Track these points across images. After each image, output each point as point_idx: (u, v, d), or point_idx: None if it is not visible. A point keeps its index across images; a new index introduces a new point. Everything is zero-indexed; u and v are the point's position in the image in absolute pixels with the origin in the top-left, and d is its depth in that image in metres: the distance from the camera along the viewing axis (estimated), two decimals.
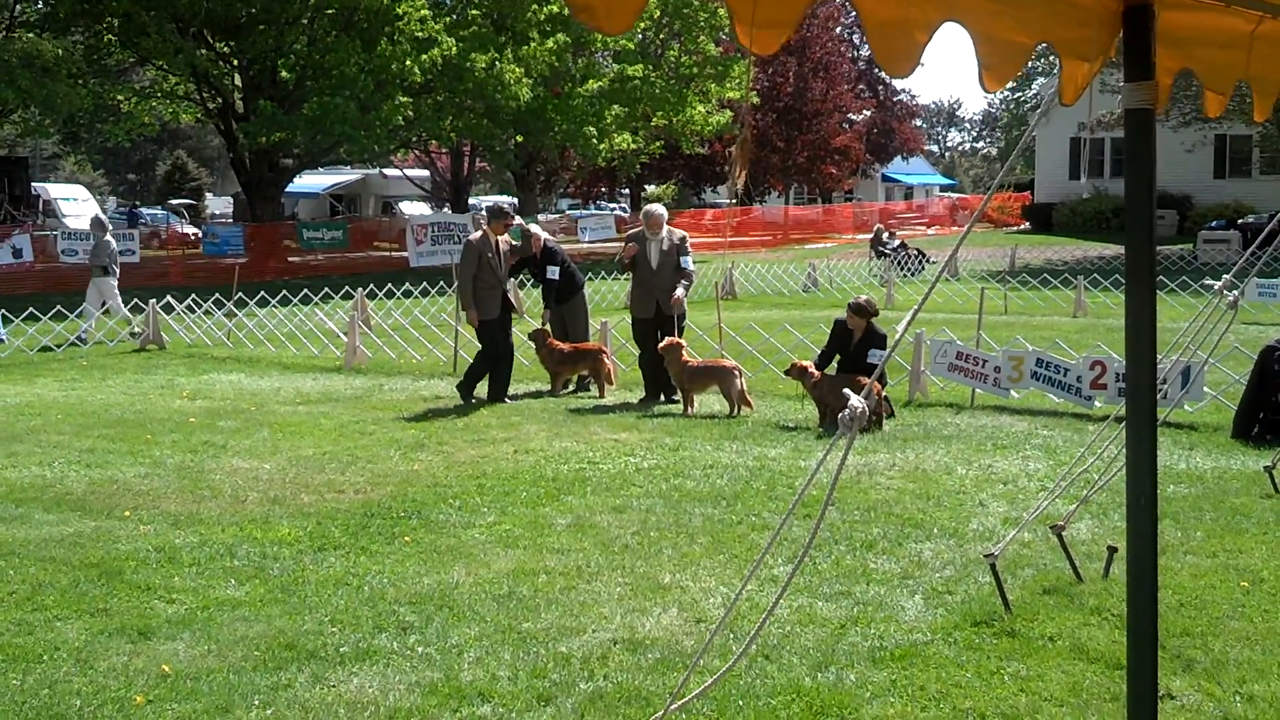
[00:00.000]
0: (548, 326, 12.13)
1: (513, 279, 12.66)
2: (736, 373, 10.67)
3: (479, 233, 11.64)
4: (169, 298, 17.96)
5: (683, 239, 11.54)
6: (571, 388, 12.17)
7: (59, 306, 17.91)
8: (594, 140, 36.24)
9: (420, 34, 31.78)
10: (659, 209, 11.77)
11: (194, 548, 6.58)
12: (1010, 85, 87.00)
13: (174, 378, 13.72)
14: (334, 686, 4.69)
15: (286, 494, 7.83)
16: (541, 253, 12.28)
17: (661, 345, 10.88)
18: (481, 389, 11.59)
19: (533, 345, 12.16)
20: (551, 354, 11.83)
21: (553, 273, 12.25)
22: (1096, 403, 10.05)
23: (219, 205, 62.01)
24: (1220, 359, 10.53)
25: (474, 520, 7.09)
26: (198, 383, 13.27)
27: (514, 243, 12.35)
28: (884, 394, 10.11)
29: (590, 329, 12.75)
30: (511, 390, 11.72)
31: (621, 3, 2.04)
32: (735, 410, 10.55)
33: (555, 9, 34.77)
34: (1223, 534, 6.62)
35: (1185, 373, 8.94)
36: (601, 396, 11.68)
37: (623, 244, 11.70)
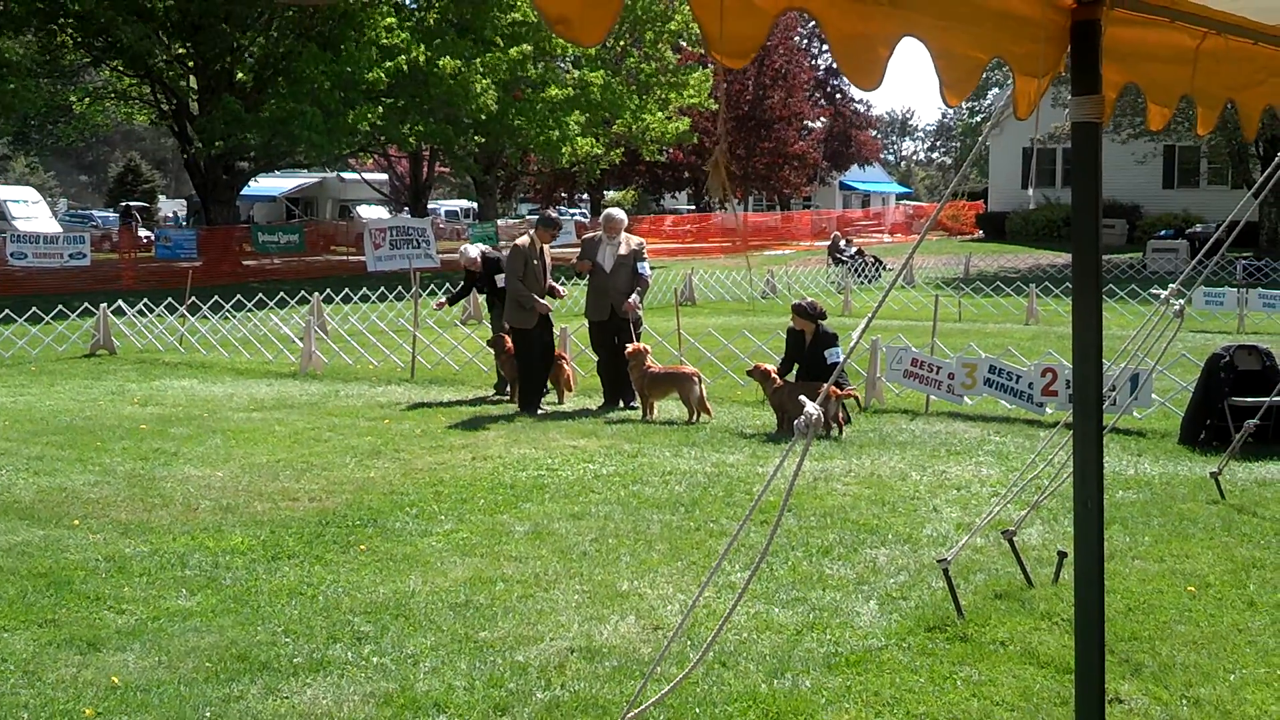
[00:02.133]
0: (505, 333, 12.12)
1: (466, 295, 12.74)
2: (696, 379, 10.71)
3: (525, 238, 11.46)
4: (120, 302, 17.73)
5: (640, 245, 11.58)
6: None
7: (8, 310, 17.60)
8: (557, 143, 36.26)
9: (386, 41, 31.64)
10: (619, 213, 11.83)
11: (144, 557, 6.50)
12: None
13: (125, 384, 13.54)
14: (287, 698, 4.65)
15: (239, 502, 7.75)
16: (484, 265, 12.42)
17: (627, 351, 10.89)
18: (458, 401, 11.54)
19: (492, 351, 12.15)
20: (510, 360, 11.83)
21: (502, 280, 12.28)
22: (1048, 409, 10.18)
23: (173, 208, 61.23)
24: (1168, 366, 10.75)
25: (431, 528, 7.06)
26: (149, 389, 13.10)
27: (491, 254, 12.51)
28: (855, 393, 10.27)
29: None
30: (469, 395, 11.65)
31: (595, 14, 2.05)
32: (694, 417, 10.58)
33: (519, 16, 34.75)
34: (1170, 539, 6.73)
35: (1134, 379, 9.11)
36: (560, 402, 11.67)
37: (580, 249, 11.71)
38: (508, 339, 11.87)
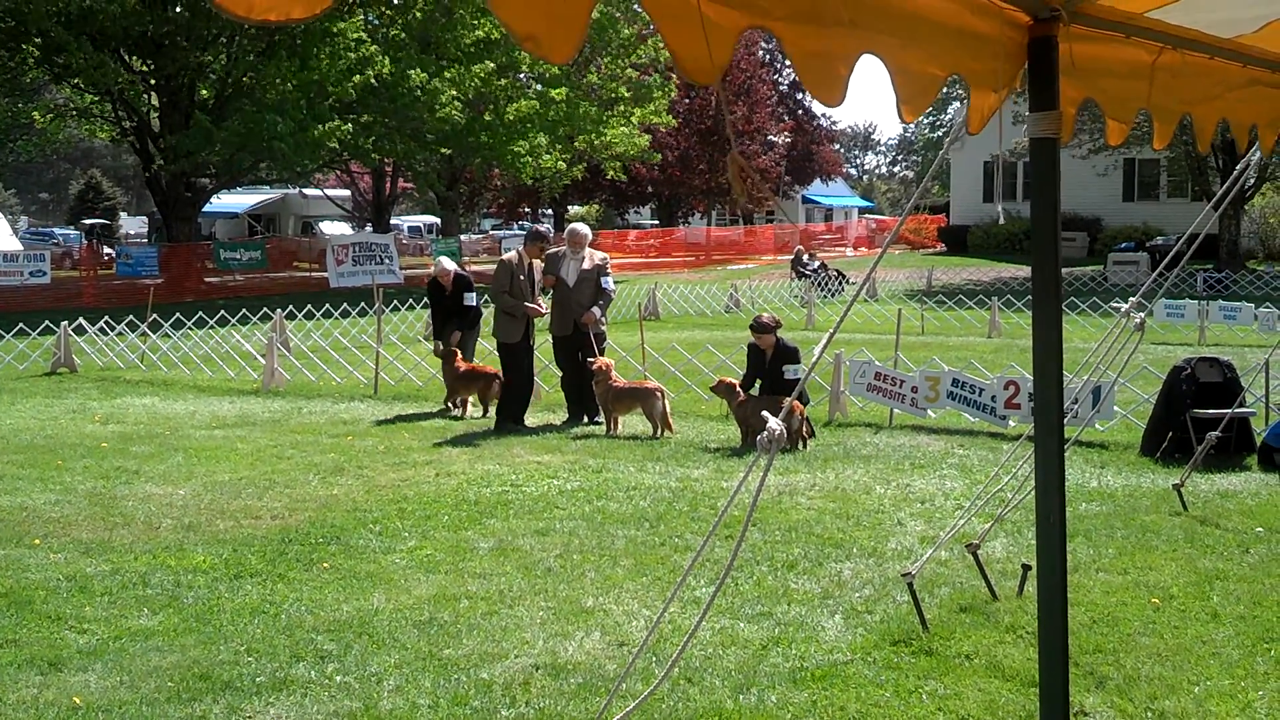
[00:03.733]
0: (456, 348, 12.29)
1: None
2: (659, 394, 10.71)
3: (514, 253, 11.60)
4: (81, 320, 17.53)
5: (604, 260, 11.61)
6: (472, 410, 12.13)
7: None
8: (522, 156, 36.30)
9: (354, 54, 31.54)
10: (583, 228, 11.97)
11: (106, 576, 6.42)
12: (927, 109, 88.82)
13: (86, 401, 13.37)
14: (250, 717, 4.60)
15: (201, 520, 7.67)
16: (454, 281, 12.65)
17: (593, 366, 10.88)
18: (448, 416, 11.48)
19: (440, 362, 12.41)
20: (453, 373, 12.12)
21: (470, 299, 12.64)
22: (1010, 422, 10.26)
23: (134, 225, 60.63)
24: (1130, 379, 10.85)
25: (394, 545, 7.01)
26: (110, 406, 12.95)
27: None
28: (805, 414, 10.21)
29: (474, 353, 12.97)
30: (432, 410, 11.60)
31: (564, 32, 2.06)
32: (659, 432, 10.58)
33: (482, 34, 34.77)
34: (1133, 551, 6.78)
35: (1096, 392, 9.19)
36: (484, 415, 11.82)
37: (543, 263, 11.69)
38: (459, 354, 12.01)
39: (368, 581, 6.30)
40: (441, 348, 12.43)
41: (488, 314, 13.02)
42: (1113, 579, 6.26)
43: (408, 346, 16.92)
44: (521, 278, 11.25)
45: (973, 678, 4.92)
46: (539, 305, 11.45)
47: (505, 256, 11.61)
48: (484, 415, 11.86)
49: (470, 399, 12.17)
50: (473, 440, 10.54)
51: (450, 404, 12.26)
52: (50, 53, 31.25)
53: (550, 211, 63.22)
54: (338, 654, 5.24)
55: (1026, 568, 5.94)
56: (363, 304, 19.47)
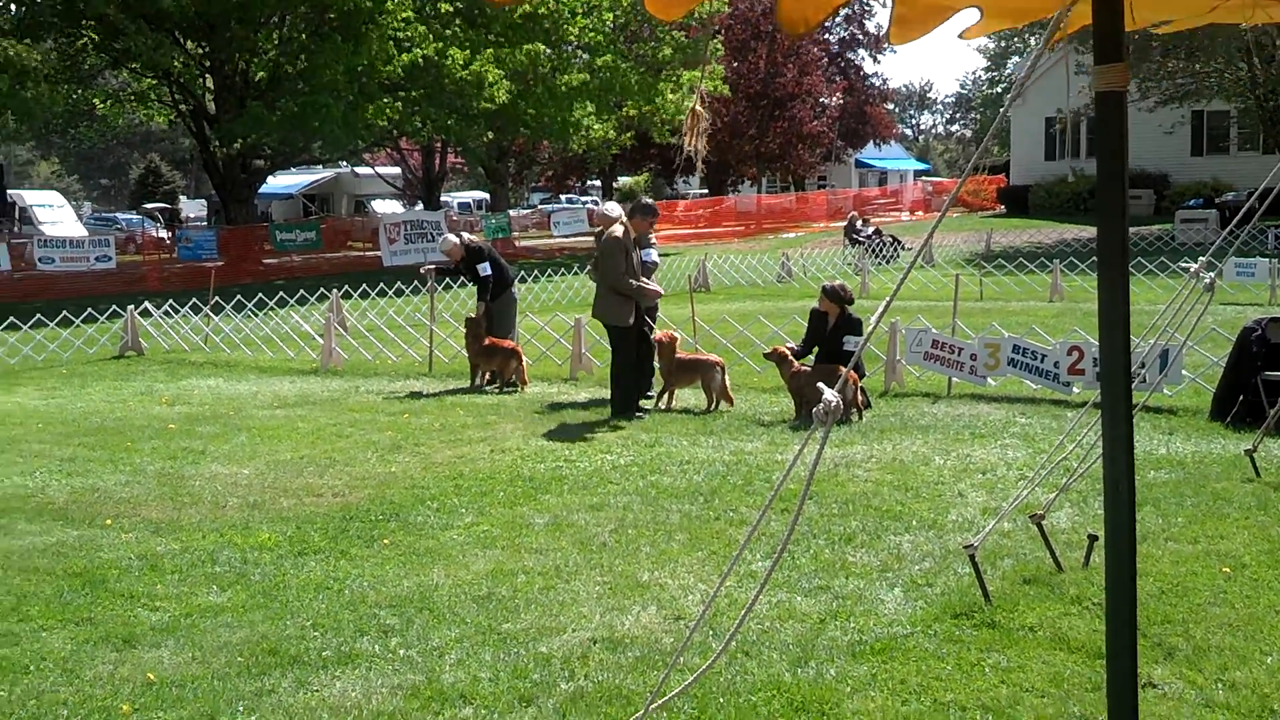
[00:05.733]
0: (481, 319, 12.35)
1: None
2: (720, 368, 10.62)
3: (619, 227, 10.53)
4: (146, 303, 17.84)
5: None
6: (497, 383, 12.22)
7: (39, 315, 17.75)
8: (570, 127, 36.23)
9: (403, 35, 31.67)
10: (611, 207, 11.82)
11: (176, 555, 6.55)
12: (984, 65, 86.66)
13: (153, 384, 13.63)
14: (317, 691, 4.67)
15: (266, 499, 7.79)
16: (467, 253, 12.57)
17: (656, 337, 10.82)
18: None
19: (464, 332, 12.49)
20: (475, 348, 12.19)
21: (484, 269, 12.46)
22: (1074, 389, 10.07)
23: (193, 209, 61.58)
24: (1198, 341, 10.58)
25: (452, 521, 7.07)
26: (176, 388, 13.18)
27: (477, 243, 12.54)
28: (861, 385, 10.12)
29: (515, 328, 12.91)
30: (462, 387, 11.69)
31: None
32: (714, 405, 10.53)
33: (529, 9, 34.68)
34: (1204, 519, 6.64)
35: (1164, 356, 8.98)
36: (502, 390, 11.89)
37: (594, 240, 11.63)
38: (482, 325, 12.12)
39: (427, 557, 6.36)
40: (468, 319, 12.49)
41: (586, 293, 12.81)
42: (1182, 548, 6.13)
43: (460, 324, 17.03)
44: (632, 253, 10.48)
45: (1037, 650, 4.86)
46: (655, 285, 10.83)
47: (613, 232, 10.48)
48: (501, 390, 11.90)
49: (491, 373, 12.22)
50: (526, 416, 10.58)
51: (475, 380, 12.31)
52: (108, 37, 31.71)
53: (598, 183, 63.11)
54: (400, 628, 5.30)
55: (1093, 538, 5.84)
56: (415, 282, 19.59)
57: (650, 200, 11.43)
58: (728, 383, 10.71)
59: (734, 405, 10.63)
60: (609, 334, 10.62)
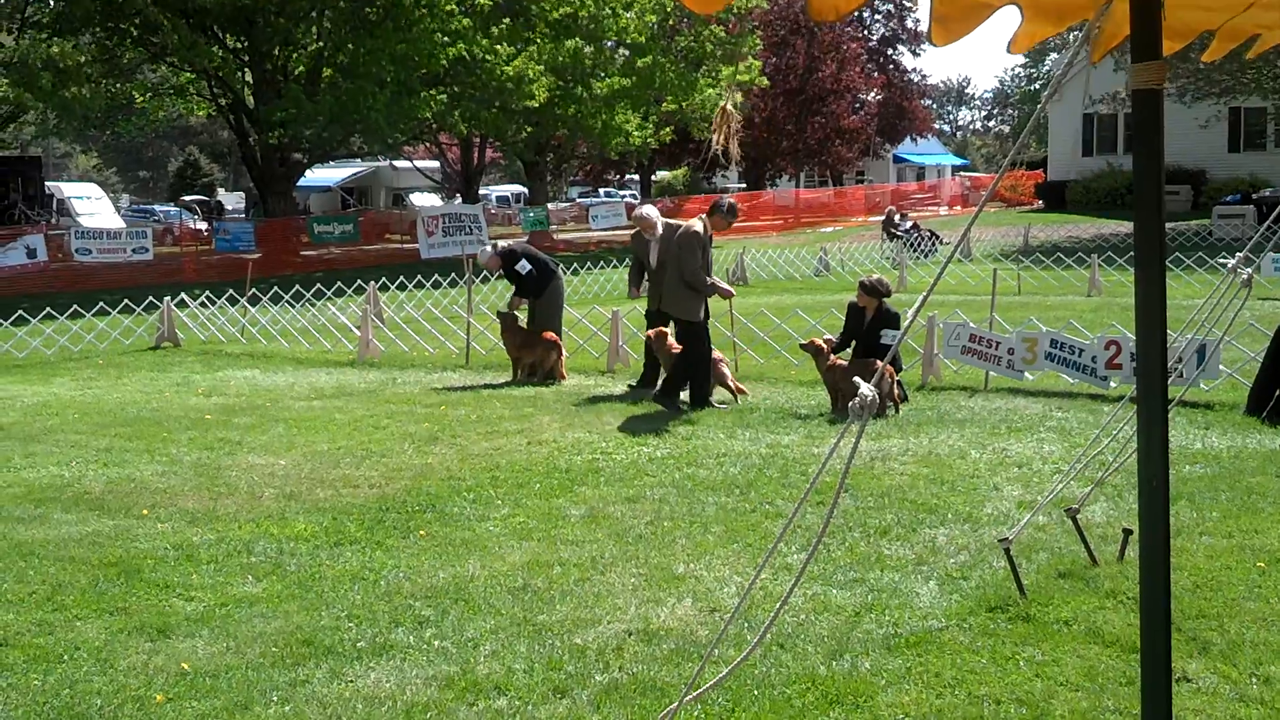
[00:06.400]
0: (518, 313, 12.43)
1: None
2: (719, 362, 10.67)
3: (699, 222, 10.55)
4: (183, 295, 18.04)
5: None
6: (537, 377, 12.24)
7: (75, 306, 17.99)
8: (611, 132, 36.27)
9: (450, 28, 31.78)
10: (647, 210, 11.87)
11: (211, 545, 6.62)
12: (1022, 61, 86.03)
13: (189, 375, 13.78)
14: (352, 682, 4.71)
15: (302, 489, 7.86)
16: (503, 257, 12.59)
17: (647, 334, 10.98)
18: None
19: (499, 324, 12.55)
20: (513, 338, 12.24)
21: (524, 267, 12.41)
22: (1112, 383, 9.99)
23: (231, 201, 62.14)
24: (1236, 336, 10.49)
25: (488, 513, 7.11)
26: (213, 379, 13.33)
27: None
28: (897, 379, 10.08)
29: (560, 321, 12.84)
30: (499, 379, 11.73)
31: None
32: (734, 399, 10.56)
33: (569, 9, 34.77)
34: (1239, 514, 6.58)
35: (1200, 351, 8.90)
36: (538, 381, 11.95)
37: (631, 239, 11.71)
38: (517, 319, 12.19)
39: (463, 549, 6.40)
40: (500, 314, 12.54)
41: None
42: (1217, 543, 6.08)
43: (497, 316, 17.11)
44: (709, 251, 10.52)
45: (1071, 644, 4.83)
46: (727, 285, 10.98)
47: (693, 226, 10.49)
48: (538, 381, 11.96)
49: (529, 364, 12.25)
50: (562, 408, 10.62)
51: (518, 374, 12.31)
52: (146, 32, 32.03)
53: (637, 177, 63.07)
54: (435, 619, 5.34)
55: (1128, 532, 5.80)
56: (453, 274, 19.69)
57: (733, 201, 11.39)
58: (730, 375, 10.77)
59: (747, 394, 10.71)
60: (682, 330, 10.60)
